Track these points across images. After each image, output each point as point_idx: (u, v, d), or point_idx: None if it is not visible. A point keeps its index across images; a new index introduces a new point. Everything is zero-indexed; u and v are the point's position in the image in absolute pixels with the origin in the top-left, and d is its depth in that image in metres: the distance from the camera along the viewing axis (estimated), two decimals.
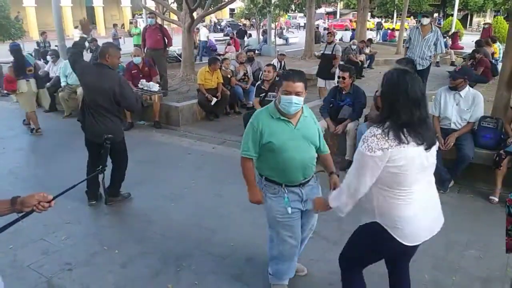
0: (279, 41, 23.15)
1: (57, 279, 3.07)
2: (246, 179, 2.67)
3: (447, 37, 16.54)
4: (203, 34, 16.92)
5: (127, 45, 18.06)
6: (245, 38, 20.29)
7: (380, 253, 2.21)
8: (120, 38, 18.32)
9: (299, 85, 2.46)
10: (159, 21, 10.34)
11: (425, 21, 7.01)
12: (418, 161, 1.91)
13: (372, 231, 2.06)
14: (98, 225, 3.90)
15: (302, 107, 2.59)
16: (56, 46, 10.80)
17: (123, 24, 32.67)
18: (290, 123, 2.54)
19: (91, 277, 3.09)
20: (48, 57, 8.87)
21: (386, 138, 1.86)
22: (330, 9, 45.83)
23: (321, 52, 8.98)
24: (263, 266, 3.20)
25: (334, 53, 8.54)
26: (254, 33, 23.00)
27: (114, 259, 3.32)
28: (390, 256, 2.28)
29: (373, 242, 2.12)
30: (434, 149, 2.00)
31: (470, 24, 40.74)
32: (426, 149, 1.93)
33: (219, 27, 36.37)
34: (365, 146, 1.89)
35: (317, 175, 2.76)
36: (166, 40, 8.78)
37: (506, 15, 23.99)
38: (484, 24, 21.23)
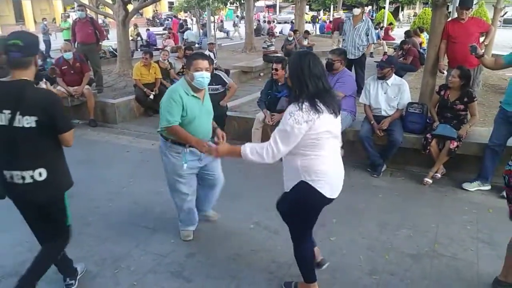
0: (220, 34, 23.01)
1: None
2: (185, 137, 3.00)
3: (379, 29, 17.28)
4: None
5: (59, 41, 17.13)
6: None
7: (313, 208, 2.49)
8: (51, 34, 17.20)
9: (207, 62, 2.98)
10: (92, 14, 9.87)
11: (356, 11, 7.23)
12: (330, 127, 2.29)
13: (300, 191, 2.38)
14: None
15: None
16: None
17: (54, 19, 30.83)
18: (199, 100, 3.08)
19: None
20: None
21: (309, 112, 2.19)
22: (270, 2, 46.29)
23: None
24: (205, 261, 3.19)
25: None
26: (194, 26, 22.65)
27: None
28: (317, 211, 2.54)
29: (304, 201, 2.43)
30: (339, 118, 2.38)
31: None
32: (335, 117, 2.31)
33: (158, 20, 35.47)
34: (292, 119, 2.20)
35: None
36: (99, 34, 8.40)
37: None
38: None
